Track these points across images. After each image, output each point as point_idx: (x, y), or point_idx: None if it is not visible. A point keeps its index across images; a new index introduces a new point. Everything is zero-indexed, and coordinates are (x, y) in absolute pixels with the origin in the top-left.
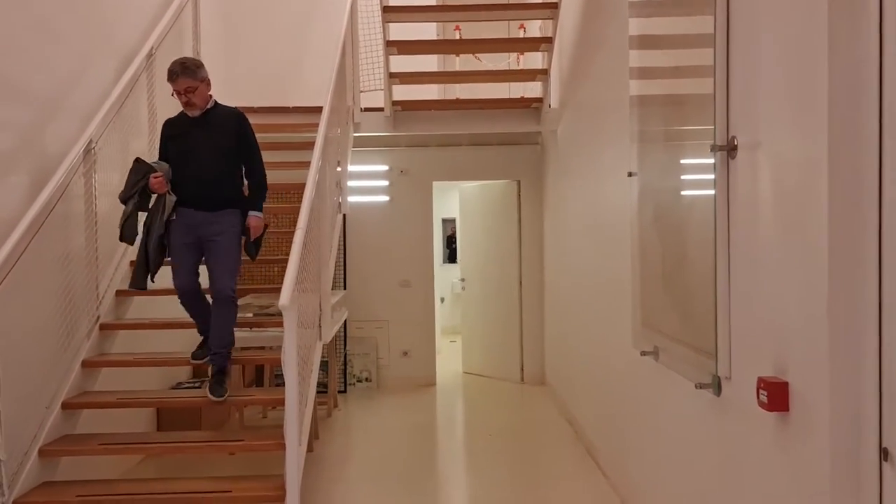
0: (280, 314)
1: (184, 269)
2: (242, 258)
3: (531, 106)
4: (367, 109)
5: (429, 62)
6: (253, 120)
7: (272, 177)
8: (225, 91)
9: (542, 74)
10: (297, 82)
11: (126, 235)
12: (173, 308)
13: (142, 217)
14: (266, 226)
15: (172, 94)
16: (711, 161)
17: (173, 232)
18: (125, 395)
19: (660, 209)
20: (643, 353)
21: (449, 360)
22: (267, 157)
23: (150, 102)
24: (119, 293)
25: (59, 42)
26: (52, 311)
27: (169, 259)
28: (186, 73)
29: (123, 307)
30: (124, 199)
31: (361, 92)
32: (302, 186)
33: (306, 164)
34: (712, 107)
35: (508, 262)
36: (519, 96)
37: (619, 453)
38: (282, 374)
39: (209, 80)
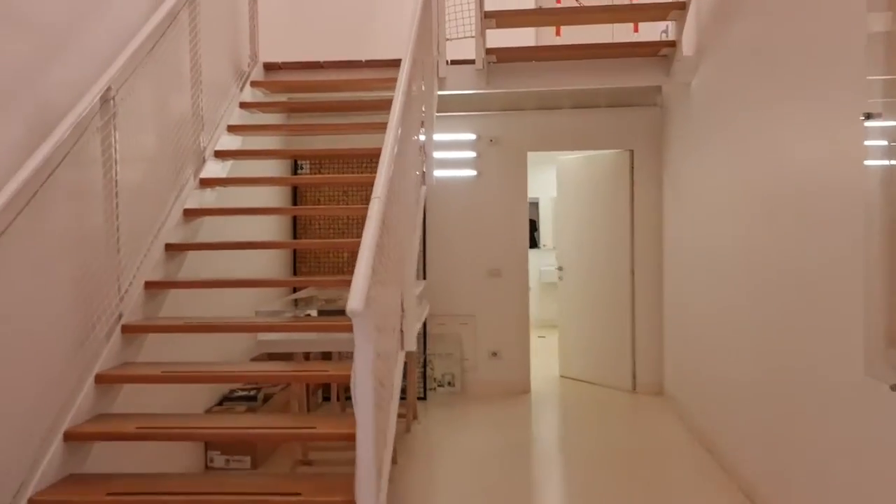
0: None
1: None
2: None
3: (658, 53)
4: (453, 62)
5: (522, 1)
6: (321, 76)
7: (343, 141)
8: (288, 44)
9: (677, 10)
10: (369, 32)
11: None
12: (219, 303)
13: None
14: None
15: None
16: None
17: None
18: (152, 422)
19: None
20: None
21: (540, 360)
22: (337, 119)
23: (192, 48)
24: (149, 285)
25: None
26: (57, 308)
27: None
28: None
29: (154, 303)
30: None
31: (447, 40)
32: (379, 152)
33: (383, 127)
34: None
35: (617, 249)
36: (628, 41)
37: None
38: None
39: None
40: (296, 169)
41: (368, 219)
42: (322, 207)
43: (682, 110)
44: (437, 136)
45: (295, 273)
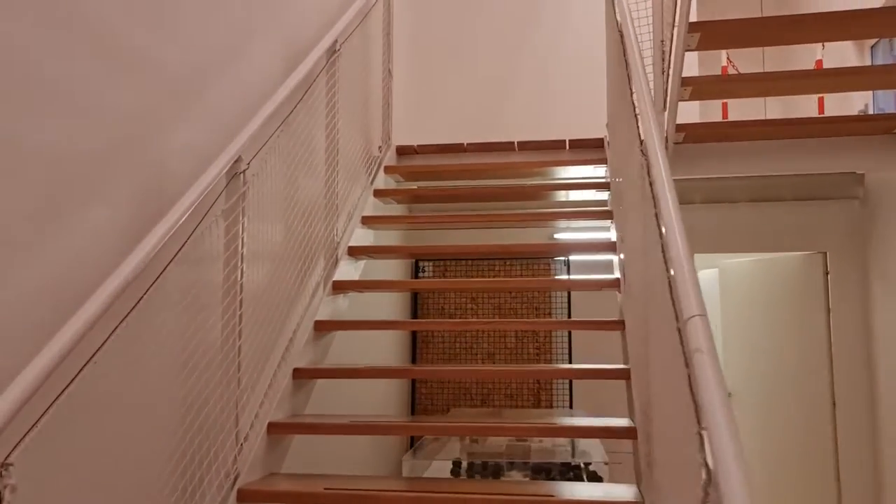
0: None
1: None
2: None
3: (893, 130)
4: None
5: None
6: (465, 160)
7: (491, 236)
8: (420, 124)
9: None
10: (509, 113)
11: None
12: (343, 439)
13: None
14: None
15: None
16: None
17: None
18: None
19: None
20: None
21: None
22: (485, 207)
23: (329, 121)
24: (273, 428)
25: (206, 3)
26: (156, 464)
27: None
28: None
29: (277, 452)
30: None
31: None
32: (536, 248)
33: (540, 217)
34: None
35: (810, 372)
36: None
37: None
38: None
39: None
40: (417, 269)
41: (697, 353)
42: (496, 322)
43: None
44: (581, 235)
45: (414, 401)
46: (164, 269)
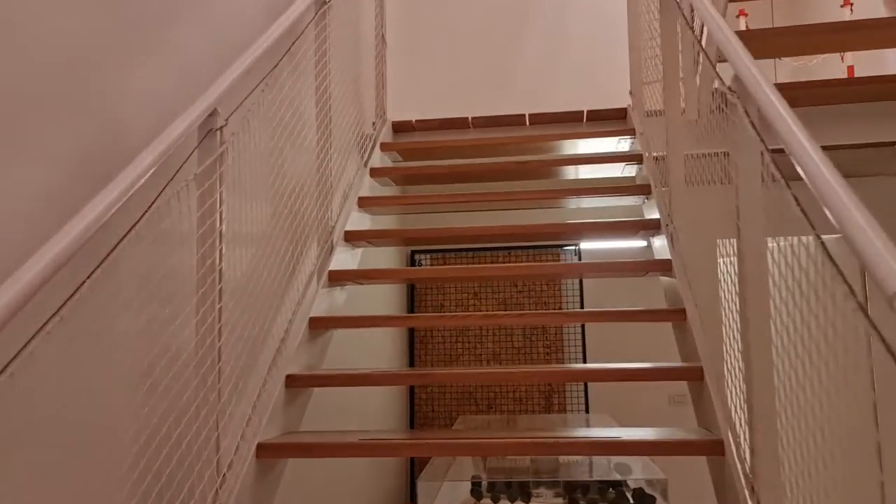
0: None
1: None
2: None
3: None
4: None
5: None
6: (467, 136)
7: (498, 221)
8: (419, 97)
9: None
10: (518, 84)
11: None
12: (357, 462)
13: None
14: None
15: None
16: None
17: None
18: None
19: None
20: None
21: None
22: (493, 188)
23: (320, 83)
24: (264, 450)
25: None
26: (116, 486)
27: None
28: None
29: (269, 478)
30: None
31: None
32: (562, 228)
33: (565, 194)
34: None
35: (847, 369)
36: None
37: None
38: None
39: None
40: (412, 261)
41: None
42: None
43: None
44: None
45: (412, 407)
46: (116, 246)
